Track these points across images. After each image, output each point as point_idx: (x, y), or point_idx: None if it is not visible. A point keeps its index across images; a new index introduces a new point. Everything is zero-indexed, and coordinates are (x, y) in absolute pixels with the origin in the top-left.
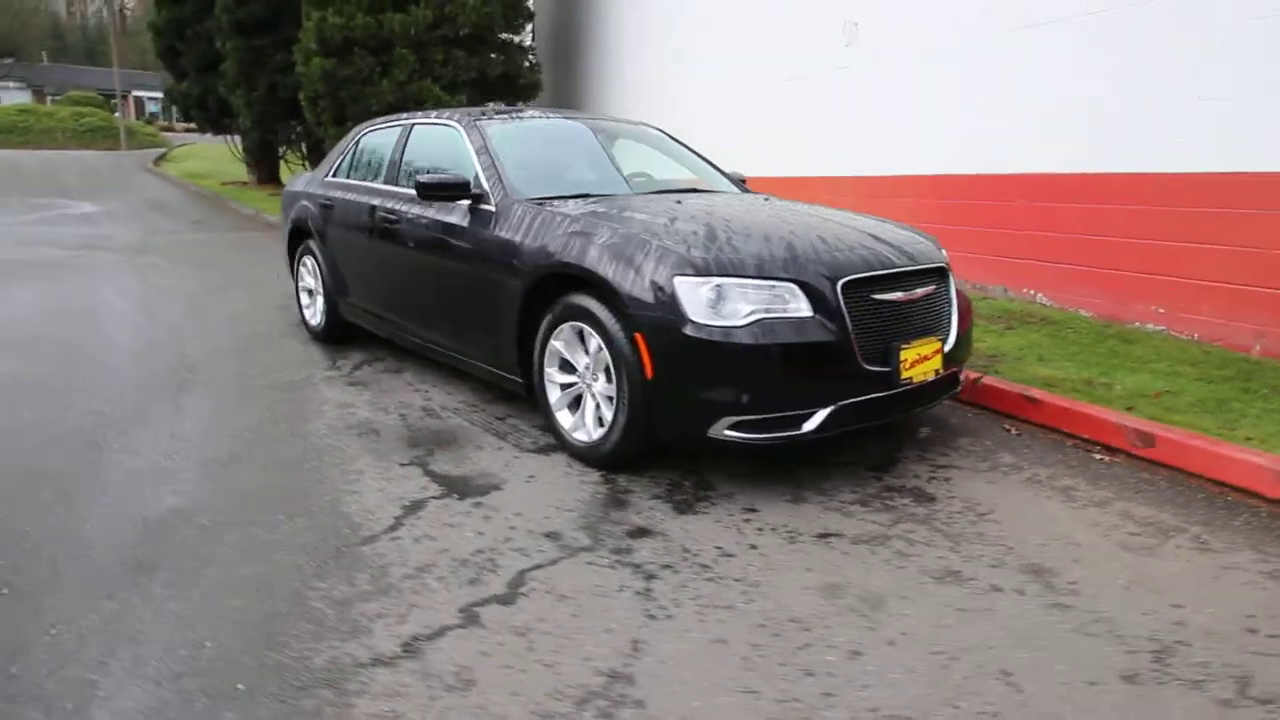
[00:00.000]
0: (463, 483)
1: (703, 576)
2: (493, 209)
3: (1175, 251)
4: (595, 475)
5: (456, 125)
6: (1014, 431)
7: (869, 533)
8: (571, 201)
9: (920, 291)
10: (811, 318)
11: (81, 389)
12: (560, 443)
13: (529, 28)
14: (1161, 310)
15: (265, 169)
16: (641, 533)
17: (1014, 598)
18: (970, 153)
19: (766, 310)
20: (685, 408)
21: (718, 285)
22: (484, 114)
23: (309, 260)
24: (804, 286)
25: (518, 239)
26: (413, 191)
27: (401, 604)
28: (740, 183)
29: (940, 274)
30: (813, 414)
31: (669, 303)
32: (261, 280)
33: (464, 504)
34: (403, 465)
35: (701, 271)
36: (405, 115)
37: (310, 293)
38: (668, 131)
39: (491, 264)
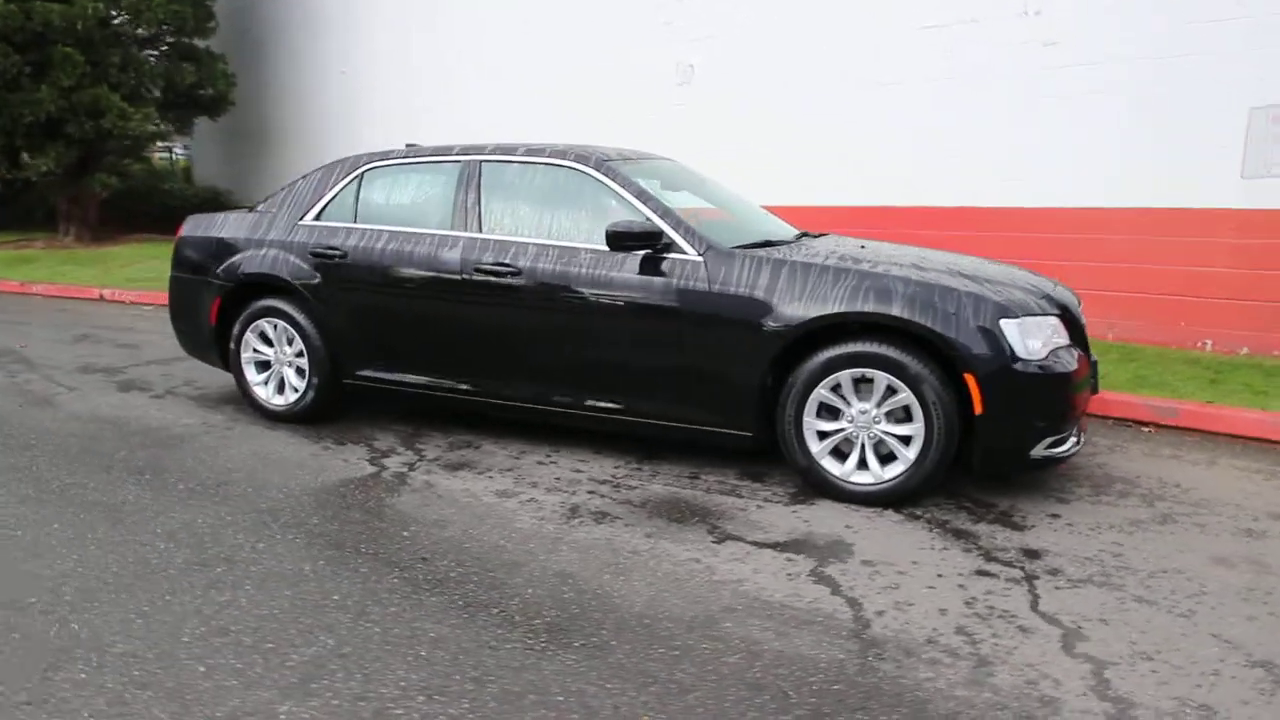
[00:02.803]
0: (807, 546)
1: (1140, 575)
2: (696, 259)
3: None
4: (892, 514)
5: (583, 166)
6: None
7: (1152, 515)
8: (780, 249)
9: None
10: (1071, 345)
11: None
12: (824, 489)
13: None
14: None
15: None
16: (1034, 554)
17: None
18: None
19: (1054, 343)
20: (1015, 436)
21: (1028, 323)
22: (600, 153)
23: (270, 325)
24: (1062, 319)
25: (760, 293)
26: (527, 240)
27: (1026, 693)
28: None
29: None
30: (1074, 428)
31: (997, 343)
32: (48, 361)
33: (852, 567)
34: (717, 543)
35: (1015, 314)
36: (444, 149)
37: (263, 365)
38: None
39: (719, 318)
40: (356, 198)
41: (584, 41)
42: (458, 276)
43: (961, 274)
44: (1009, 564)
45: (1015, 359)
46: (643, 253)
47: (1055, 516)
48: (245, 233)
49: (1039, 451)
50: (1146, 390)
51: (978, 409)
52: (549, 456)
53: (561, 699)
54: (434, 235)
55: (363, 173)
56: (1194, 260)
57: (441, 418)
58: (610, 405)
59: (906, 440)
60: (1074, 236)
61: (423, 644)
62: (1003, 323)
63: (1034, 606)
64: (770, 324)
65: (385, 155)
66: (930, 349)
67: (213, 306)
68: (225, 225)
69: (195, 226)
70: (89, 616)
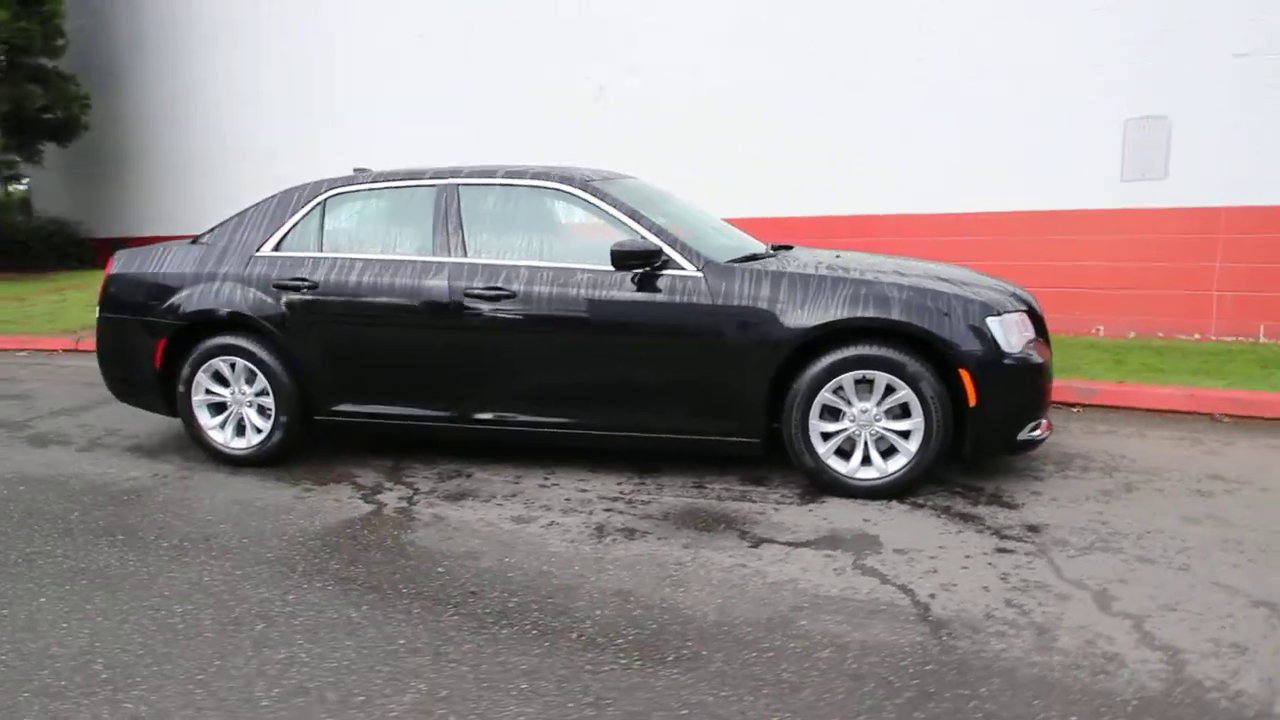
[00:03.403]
0: (839, 542)
1: (1131, 538)
2: (696, 274)
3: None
4: (899, 505)
5: (569, 188)
6: None
7: (1116, 484)
8: (770, 262)
9: None
10: (1038, 338)
11: None
12: (832, 487)
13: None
14: None
15: None
16: (1036, 529)
17: (1254, 493)
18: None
19: (1027, 336)
20: (1003, 423)
21: (1007, 320)
22: (583, 174)
23: (227, 364)
24: (1029, 315)
25: (763, 304)
26: (519, 263)
27: (1090, 651)
28: None
29: None
30: (1045, 413)
31: (986, 340)
32: None
33: (888, 557)
34: (754, 547)
35: (997, 312)
36: (416, 173)
37: (217, 408)
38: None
39: (724, 330)
40: (320, 225)
41: (490, 59)
42: (445, 302)
43: (941, 278)
44: (1021, 539)
45: (1002, 354)
46: (643, 270)
47: (1038, 494)
48: (192, 267)
49: (1023, 436)
50: (1064, 374)
51: (972, 401)
52: (547, 479)
53: (687, 713)
54: (415, 262)
55: (325, 200)
56: (1084, 256)
57: (418, 449)
58: (617, 422)
59: (905, 435)
60: (974, 239)
61: (519, 677)
62: (988, 320)
63: (1060, 575)
64: (775, 333)
65: (348, 181)
66: (925, 348)
67: (157, 348)
68: (165, 259)
69: (129, 262)
70: (139, 692)
